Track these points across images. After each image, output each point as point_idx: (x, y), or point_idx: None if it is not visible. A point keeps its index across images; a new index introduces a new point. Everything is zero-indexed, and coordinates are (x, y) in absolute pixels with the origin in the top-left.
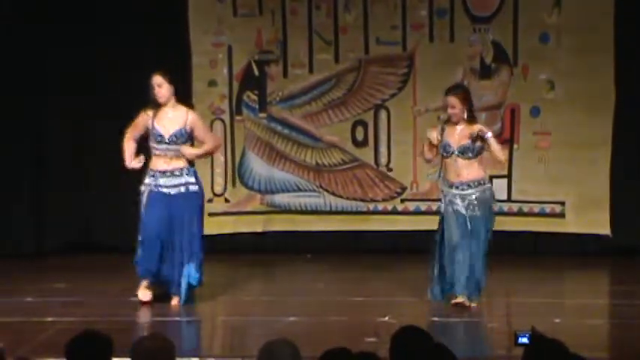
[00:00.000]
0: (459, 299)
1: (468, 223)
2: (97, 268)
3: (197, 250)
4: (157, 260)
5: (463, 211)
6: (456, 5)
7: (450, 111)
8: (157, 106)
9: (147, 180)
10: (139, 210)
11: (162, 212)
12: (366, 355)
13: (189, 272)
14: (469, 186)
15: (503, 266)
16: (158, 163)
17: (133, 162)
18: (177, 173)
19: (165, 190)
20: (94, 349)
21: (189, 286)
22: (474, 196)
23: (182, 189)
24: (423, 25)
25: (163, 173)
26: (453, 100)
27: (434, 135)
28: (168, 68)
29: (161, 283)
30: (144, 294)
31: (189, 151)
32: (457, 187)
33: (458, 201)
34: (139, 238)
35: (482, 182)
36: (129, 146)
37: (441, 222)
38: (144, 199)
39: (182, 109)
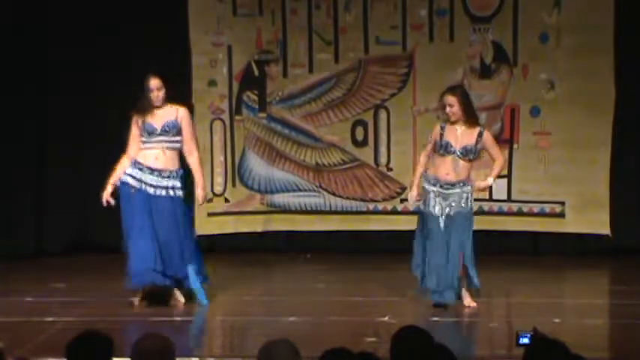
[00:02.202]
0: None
1: (442, 224)
2: (97, 268)
3: (196, 253)
4: (157, 263)
5: (438, 212)
6: (455, 5)
7: (447, 110)
8: (144, 110)
9: (131, 171)
10: (121, 203)
11: (148, 214)
12: (366, 355)
13: (192, 275)
14: (453, 185)
15: (503, 266)
16: (148, 158)
17: (108, 194)
18: (165, 174)
19: (150, 189)
20: (94, 349)
21: (199, 286)
22: (456, 197)
23: (171, 192)
24: (423, 24)
25: (152, 171)
26: (451, 98)
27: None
28: (163, 70)
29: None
30: (137, 298)
31: (200, 192)
32: (441, 186)
33: (438, 201)
34: (130, 244)
35: (466, 183)
36: (118, 166)
37: (421, 219)
38: (126, 192)
39: (172, 107)
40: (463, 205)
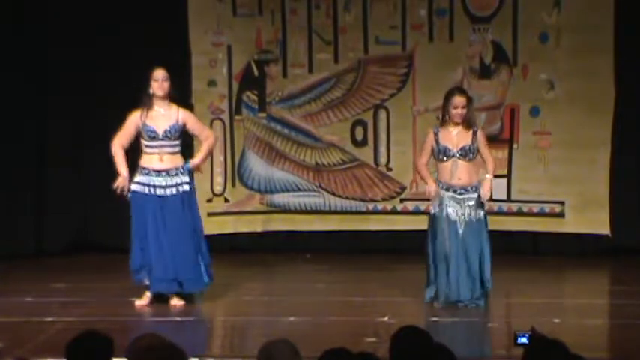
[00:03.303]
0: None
1: (460, 230)
2: (97, 268)
3: (205, 249)
4: (171, 268)
5: (455, 217)
6: (455, 5)
7: (458, 111)
8: (147, 104)
9: (139, 178)
10: (131, 211)
11: (160, 219)
12: (366, 355)
13: (202, 270)
14: (467, 190)
15: (503, 266)
16: (152, 161)
17: (126, 182)
18: (172, 173)
19: (160, 191)
20: (94, 349)
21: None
22: (472, 202)
23: (180, 189)
24: (423, 24)
25: (159, 173)
26: (462, 100)
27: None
28: (163, 67)
29: (162, 286)
30: (143, 300)
31: (196, 161)
32: (455, 191)
33: (452, 205)
34: (138, 248)
35: (478, 187)
36: (119, 155)
37: (433, 224)
38: (137, 200)
39: (173, 107)
40: (479, 210)
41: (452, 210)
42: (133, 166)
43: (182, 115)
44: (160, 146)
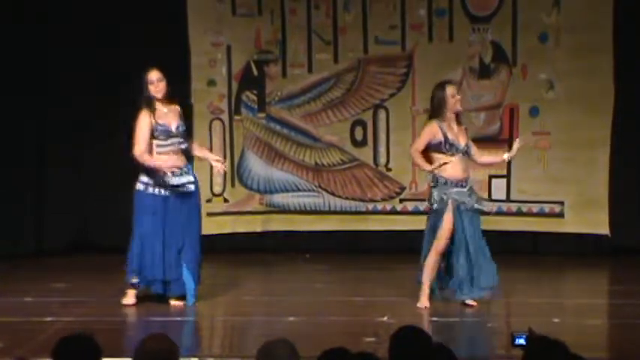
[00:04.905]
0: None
1: (461, 222)
2: (97, 268)
3: (198, 251)
4: (160, 266)
5: (475, 205)
6: (455, 5)
7: (455, 100)
8: (149, 105)
9: (144, 178)
10: (135, 210)
11: (161, 219)
12: (366, 355)
13: (192, 272)
14: (462, 185)
15: (503, 266)
16: (166, 160)
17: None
18: (177, 173)
19: (164, 190)
20: (81, 352)
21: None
22: (469, 195)
23: (184, 187)
24: (422, 24)
25: (173, 173)
26: (456, 89)
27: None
28: (163, 67)
29: (157, 287)
30: (129, 299)
31: (218, 164)
32: (463, 186)
33: (466, 199)
34: (136, 244)
35: (470, 180)
36: (150, 157)
37: (434, 218)
38: (141, 199)
39: (173, 104)
40: (475, 202)
41: (469, 203)
42: (134, 169)
43: (180, 112)
44: (172, 144)
